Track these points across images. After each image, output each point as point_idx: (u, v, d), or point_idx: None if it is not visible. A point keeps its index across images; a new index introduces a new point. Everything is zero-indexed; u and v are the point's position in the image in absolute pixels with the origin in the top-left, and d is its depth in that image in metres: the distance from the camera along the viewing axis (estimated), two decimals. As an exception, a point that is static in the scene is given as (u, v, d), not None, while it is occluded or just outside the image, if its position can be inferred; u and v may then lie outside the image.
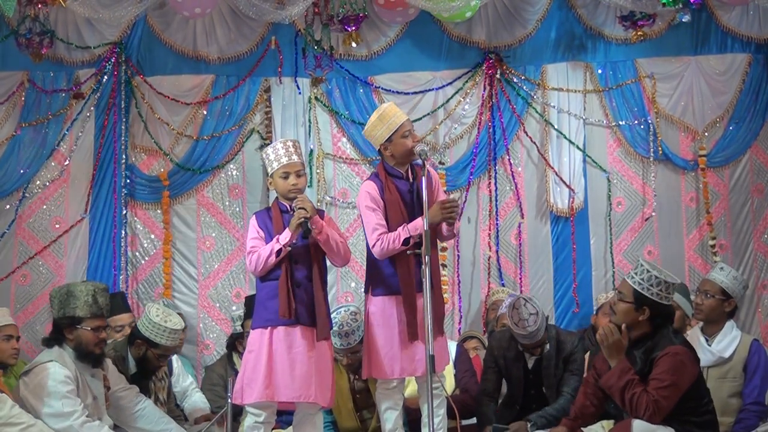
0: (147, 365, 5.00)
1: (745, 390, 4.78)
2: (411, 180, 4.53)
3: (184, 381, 5.57)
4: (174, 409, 5.23)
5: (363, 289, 4.78)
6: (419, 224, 4.28)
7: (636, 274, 4.27)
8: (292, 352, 4.33)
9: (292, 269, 4.38)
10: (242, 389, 4.37)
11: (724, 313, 4.92)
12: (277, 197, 4.56)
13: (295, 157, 4.47)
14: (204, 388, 5.76)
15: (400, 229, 4.37)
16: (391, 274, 4.43)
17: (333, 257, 4.46)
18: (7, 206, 6.44)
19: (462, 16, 6.50)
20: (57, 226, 6.51)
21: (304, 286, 4.39)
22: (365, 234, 4.51)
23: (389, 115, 4.50)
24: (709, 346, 4.88)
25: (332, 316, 4.86)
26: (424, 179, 4.35)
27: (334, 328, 4.86)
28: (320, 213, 4.52)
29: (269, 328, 4.36)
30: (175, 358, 5.58)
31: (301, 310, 4.36)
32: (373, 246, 4.41)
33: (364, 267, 4.78)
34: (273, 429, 5.27)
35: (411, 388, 5.00)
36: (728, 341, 4.85)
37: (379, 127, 4.50)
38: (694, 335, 4.96)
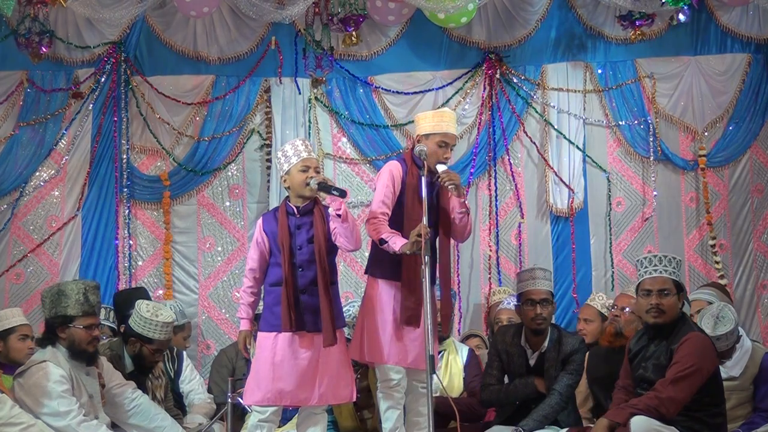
0: (143, 362, 5.01)
1: (760, 404, 4.75)
2: (434, 177, 4.52)
3: (192, 380, 5.56)
4: (172, 408, 5.21)
5: (364, 272, 4.74)
6: (398, 244, 4.30)
7: (669, 264, 4.40)
8: (296, 359, 4.33)
9: (296, 276, 4.36)
10: (247, 390, 4.39)
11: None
12: (287, 198, 4.52)
13: (313, 154, 4.52)
14: (212, 370, 5.86)
15: (392, 232, 4.37)
16: (396, 261, 4.41)
17: (348, 237, 4.36)
18: (4, 205, 6.43)
19: (457, 21, 6.50)
20: (53, 224, 6.50)
21: (310, 292, 4.37)
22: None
23: (445, 119, 4.57)
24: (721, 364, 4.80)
25: (347, 308, 4.91)
26: (423, 179, 4.36)
27: (349, 319, 4.89)
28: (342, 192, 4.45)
29: (275, 333, 4.36)
30: (186, 357, 5.57)
31: (307, 317, 4.35)
32: (370, 219, 4.44)
33: (364, 267, 4.76)
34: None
35: None
36: (737, 358, 4.80)
37: (430, 120, 4.57)
38: None
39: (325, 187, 4.36)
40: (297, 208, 4.44)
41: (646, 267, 4.46)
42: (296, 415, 4.69)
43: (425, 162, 4.46)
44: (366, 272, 4.64)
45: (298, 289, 4.35)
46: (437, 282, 4.63)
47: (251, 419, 4.44)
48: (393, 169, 4.52)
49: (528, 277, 5.04)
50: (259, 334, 4.43)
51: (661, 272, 4.40)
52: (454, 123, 4.61)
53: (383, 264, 4.49)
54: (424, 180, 4.38)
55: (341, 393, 4.42)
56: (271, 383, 4.30)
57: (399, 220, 4.46)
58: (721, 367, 4.77)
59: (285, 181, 4.48)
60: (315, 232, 4.39)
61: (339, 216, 4.30)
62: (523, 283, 5.05)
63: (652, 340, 4.41)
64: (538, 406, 4.86)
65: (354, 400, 4.57)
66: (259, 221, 4.55)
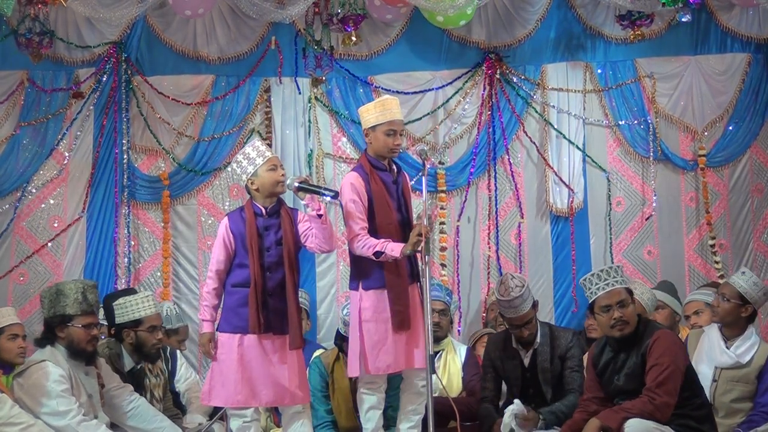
0: (145, 348, 4.94)
1: (759, 399, 4.75)
2: (394, 174, 4.53)
3: (188, 378, 5.55)
4: (171, 407, 5.19)
5: (349, 288, 4.67)
6: (397, 249, 4.28)
7: (616, 275, 4.46)
8: (265, 359, 4.31)
9: (265, 278, 4.33)
10: (210, 390, 4.36)
11: (741, 317, 4.84)
12: (250, 199, 4.46)
13: (273, 152, 4.49)
14: None
15: (382, 241, 4.34)
16: (380, 267, 4.39)
17: (327, 238, 4.36)
18: (6, 205, 6.44)
19: (456, 24, 6.51)
20: (55, 225, 6.50)
21: (278, 295, 4.33)
22: (345, 225, 4.49)
23: (387, 107, 4.52)
24: (728, 349, 4.83)
25: (347, 310, 4.88)
26: (424, 178, 4.36)
27: (344, 318, 4.88)
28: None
29: (239, 334, 4.32)
30: (180, 356, 5.56)
31: (273, 318, 4.32)
32: (354, 239, 4.39)
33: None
34: (273, 424, 5.30)
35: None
36: (747, 347, 4.80)
37: (372, 111, 4.53)
38: (713, 336, 4.91)
39: (308, 188, 4.32)
40: (265, 208, 4.40)
41: (596, 284, 4.48)
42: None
43: (424, 161, 4.46)
44: (350, 288, 4.57)
45: (267, 291, 4.32)
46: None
47: (234, 424, 4.40)
48: (353, 182, 4.44)
49: (507, 306, 4.94)
50: (221, 335, 4.38)
51: (612, 285, 4.44)
52: (399, 109, 4.56)
53: (367, 275, 4.43)
54: (424, 180, 4.37)
55: (301, 393, 4.40)
56: (240, 384, 4.28)
57: (372, 227, 4.41)
58: (728, 353, 4.81)
59: (252, 183, 4.39)
60: (284, 234, 4.36)
61: (319, 216, 4.27)
62: (505, 310, 4.99)
63: (619, 351, 4.43)
64: (559, 402, 4.85)
65: (308, 402, 4.52)
66: (225, 221, 4.47)
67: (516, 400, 4.79)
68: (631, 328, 4.39)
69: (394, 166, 4.58)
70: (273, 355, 4.32)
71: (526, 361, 5.02)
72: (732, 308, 4.85)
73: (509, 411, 4.73)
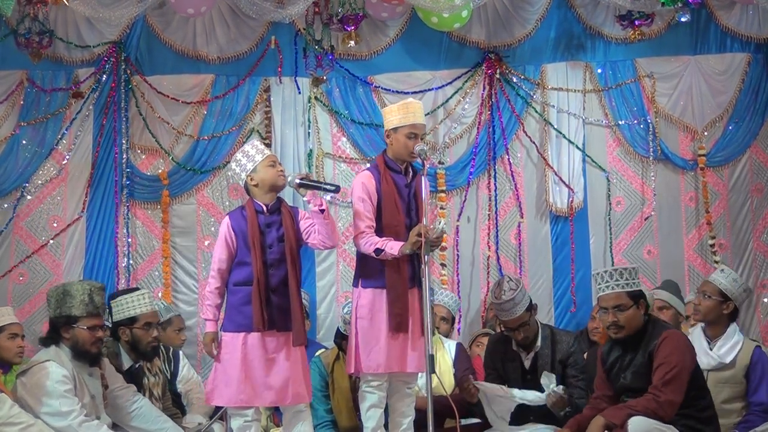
0: (141, 345, 4.93)
1: (752, 398, 4.75)
2: (409, 178, 4.54)
3: (190, 380, 5.54)
4: (170, 407, 5.19)
5: (352, 285, 4.67)
6: (396, 248, 4.30)
7: (620, 278, 4.41)
8: (267, 358, 4.30)
9: (267, 275, 4.32)
10: (213, 390, 4.35)
11: (723, 315, 4.87)
12: (250, 198, 4.45)
13: (271, 151, 4.46)
14: None
15: (384, 239, 4.37)
16: (381, 267, 4.41)
17: (329, 234, 4.37)
18: (5, 205, 6.44)
19: (450, 26, 6.51)
20: (55, 225, 6.51)
21: (280, 292, 4.33)
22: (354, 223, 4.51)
23: (411, 109, 4.52)
24: (711, 350, 4.84)
25: (347, 309, 4.89)
26: (423, 179, 4.36)
27: (344, 317, 4.89)
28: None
29: (243, 333, 4.31)
30: (182, 357, 5.56)
31: (276, 315, 4.32)
32: (357, 236, 4.43)
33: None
34: (273, 424, 5.30)
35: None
36: (730, 346, 4.82)
37: (396, 113, 4.53)
38: (696, 337, 4.92)
39: (309, 183, 4.34)
40: (266, 206, 4.40)
41: (599, 284, 4.49)
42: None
43: (423, 161, 4.47)
44: (353, 285, 4.59)
45: (270, 288, 4.32)
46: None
47: (235, 424, 4.39)
48: (365, 181, 4.47)
49: (499, 308, 4.97)
50: (225, 334, 4.36)
51: (613, 287, 4.42)
52: (422, 113, 4.58)
53: (367, 273, 4.46)
54: (424, 180, 4.38)
55: (305, 392, 4.39)
56: (243, 384, 4.27)
57: (379, 228, 4.43)
58: (710, 354, 4.83)
59: (252, 179, 4.39)
60: (285, 231, 4.36)
61: (322, 212, 4.28)
62: (498, 312, 5.01)
63: (626, 350, 4.44)
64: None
65: (309, 401, 4.50)
66: (226, 219, 4.46)
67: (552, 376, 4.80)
68: (626, 332, 4.39)
69: (411, 170, 4.57)
70: (276, 353, 4.32)
71: (527, 364, 5.03)
72: (714, 305, 4.86)
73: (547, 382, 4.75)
